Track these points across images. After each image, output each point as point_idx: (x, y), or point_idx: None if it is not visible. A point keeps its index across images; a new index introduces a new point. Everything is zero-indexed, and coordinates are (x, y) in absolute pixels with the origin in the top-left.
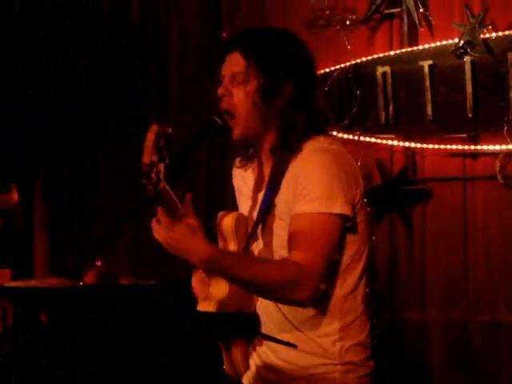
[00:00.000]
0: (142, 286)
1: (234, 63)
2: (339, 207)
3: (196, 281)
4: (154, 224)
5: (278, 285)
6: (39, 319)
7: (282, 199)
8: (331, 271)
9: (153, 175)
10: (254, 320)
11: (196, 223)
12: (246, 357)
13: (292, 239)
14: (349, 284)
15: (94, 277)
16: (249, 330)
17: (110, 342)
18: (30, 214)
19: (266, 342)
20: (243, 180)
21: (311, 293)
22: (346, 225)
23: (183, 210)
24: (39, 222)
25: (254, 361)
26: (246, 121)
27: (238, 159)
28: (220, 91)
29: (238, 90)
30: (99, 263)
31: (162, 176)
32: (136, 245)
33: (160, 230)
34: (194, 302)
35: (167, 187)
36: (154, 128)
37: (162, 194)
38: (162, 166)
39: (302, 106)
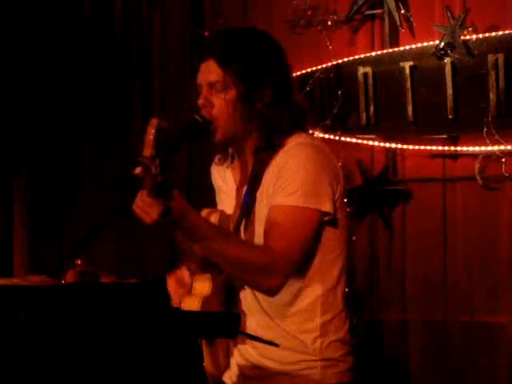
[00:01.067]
0: (123, 284)
1: (210, 71)
2: (316, 203)
3: (172, 282)
4: (139, 202)
5: (249, 266)
6: (19, 318)
7: (263, 194)
8: (310, 266)
9: (153, 169)
10: (236, 319)
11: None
12: (227, 355)
13: (268, 229)
14: (329, 280)
15: (75, 275)
16: (231, 329)
17: (90, 340)
18: (8, 212)
19: (248, 340)
20: (222, 178)
21: (281, 281)
22: (324, 219)
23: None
24: (18, 221)
25: (236, 359)
26: (228, 126)
27: (217, 158)
28: (200, 101)
29: (217, 98)
30: (79, 262)
31: (159, 170)
32: (118, 243)
33: (149, 209)
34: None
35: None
36: (154, 122)
37: (158, 188)
38: (158, 161)
39: (282, 106)
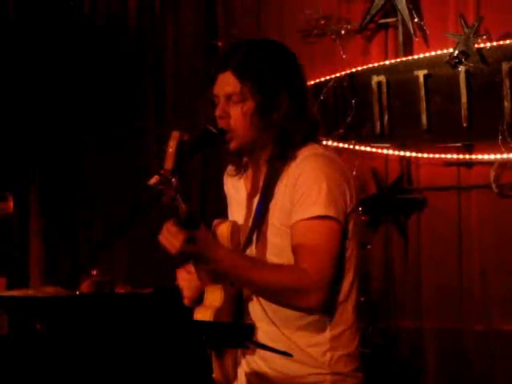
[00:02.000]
0: (137, 294)
1: (227, 83)
2: (334, 211)
3: (182, 278)
4: (165, 234)
5: (289, 289)
6: (35, 329)
7: (276, 205)
8: None
9: (173, 181)
10: (250, 329)
11: (207, 231)
12: (235, 364)
13: (296, 249)
14: (340, 293)
15: (90, 286)
16: (244, 339)
17: (105, 350)
18: (25, 222)
19: (257, 351)
20: (234, 188)
21: (321, 301)
22: (341, 231)
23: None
24: (34, 231)
25: (244, 369)
26: (244, 137)
27: (230, 167)
28: (218, 112)
29: (234, 110)
30: (95, 272)
31: (183, 199)
32: (134, 254)
33: (176, 241)
34: (190, 310)
35: (180, 196)
36: (176, 135)
37: (177, 201)
38: (178, 174)
39: (298, 116)
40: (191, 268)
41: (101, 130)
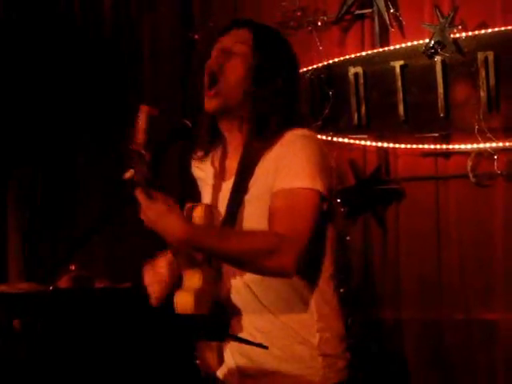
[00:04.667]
0: (115, 289)
1: (242, 36)
2: (319, 185)
3: (148, 275)
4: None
5: (259, 251)
6: (11, 325)
7: (256, 183)
8: (306, 258)
9: (144, 154)
10: (224, 321)
11: (173, 203)
12: (221, 351)
13: (273, 213)
14: (323, 275)
15: (69, 281)
16: (220, 332)
17: (84, 345)
18: (3, 219)
19: (243, 333)
20: (201, 170)
21: (294, 261)
22: (323, 206)
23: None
24: (13, 227)
25: (232, 355)
26: (229, 91)
27: (198, 151)
28: (210, 63)
29: (235, 57)
30: (73, 267)
31: (149, 157)
32: (112, 248)
33: (142, 209)
34: (169, 304)
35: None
36: (145, 108)
37: (148, 177)
38: (149, 148)
39: (288, 97)
40: (158, 264)
41: (78, 128)
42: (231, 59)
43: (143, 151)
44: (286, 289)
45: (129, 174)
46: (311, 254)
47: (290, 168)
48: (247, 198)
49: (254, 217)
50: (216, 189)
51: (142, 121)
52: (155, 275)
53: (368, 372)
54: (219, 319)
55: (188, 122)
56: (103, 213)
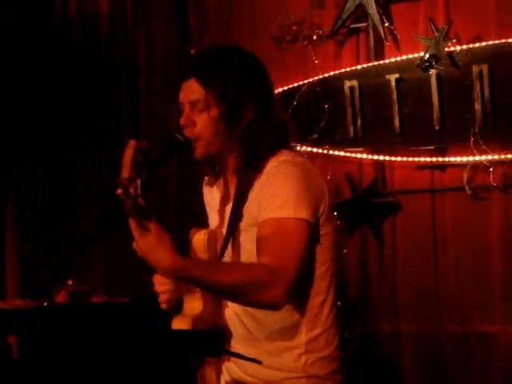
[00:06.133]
0: (112, 304)
1: (192, 91)
2: (305, 213)
3: (158, 283)
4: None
5: (247, 286)
6: (6, 341)
7: (247, 212)
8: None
9: (131, 190)
10: (221, 337)
11: (165, 234)
12: (219, 374)
13: (260, 245)
14: (316, 297)
15: (66, 296)
16: (216, 348)
17: (81, 361)
18: (1, 232)
19: (232, 358)
20: (211, 196)
21: (283, 294)
22: (312, 233)
23: (155, 224)
24: (11, 241)
25: (224, 377)
26: (210, 144)
27: (207, 177)
28: (182, 121)
29: (199, 117)
30: (70, 282)
31: (139, 191)
32: (110, 262)
33: (135, 240)
34: (166, 318)
35: (143, 202)
36: (132, 143)
37: (139, 208)
38: (139, 182)
39: (265, 124)
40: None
41: (78, 141)
42: (195, 119)
43: (130, 186)
44: (273, 317)
45: (120, 190)
46: (305, 280)
47: (274, 198)
48: (242, 224)
49: (247, 243)
50: (220, 214)
51: (128, 156)
52: (166, 283)
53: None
54: (216, 335)
55: (180, 136)
56: (99, 224)
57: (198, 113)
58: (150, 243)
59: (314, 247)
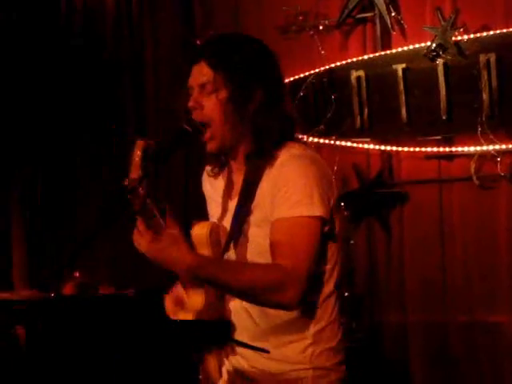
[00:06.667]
0: (118, 296)
1: (201, 74)
2: (319, 210)
3: (169, 302)
4: (135, 236)
5: (264, 288)
6: (14, 332)
7: (258, 206)
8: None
9: (140, 190)
10: (226, 327)
11: (178, 233)
12: (220, 365)
13: (275, 245)
14: (325, 290)
15: (73, 288)
16: (222, 336)
17: (87, 352)
18: (7, 226)
19: (238, 350)
20: (213, 188)
21: (298, 296)
22: (324, 229)
23: (164, 221)
24: (17, 234)
25: (227, 369)
26: (221, 132)
27: (209, 167)
28: (190, 103)
29: (208, 100)
30: (77, 274)
31: (147, 191)
32: (116, 254)
33: (143, 242)
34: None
35: (150, 201)
36: (140, 143)
37: (146, 207)
38: (147, 182)
39: (273, 110)
40: (177, 292)
41: (82, 136)
42: (203, 101)
43: (138, 186)
44: (282, 312)
45: (127, 182)
46: (316, 275)
47: (287, 196)
48: (252, 218)
49: (259, 239)
50: (223, 206)
51: (137, 156)
52: (174, 301)
53: (371, 376)
54: (222, 325)
55: (188, 127)
56: (103, 217)
57: (206, 95)
58: (166, 243)
59: (326, 241)
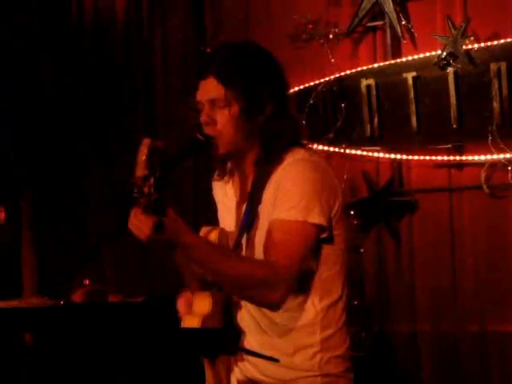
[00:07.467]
0: (127, 303)
1: (211, 89)
2: (315, 217)
3: (182, 304)
4: (133, 219)
5: (252, 282)
6: (23, 340)
7: (264, 209)
8: (310, 283)
9: (145, 189)
10: (236, 335)
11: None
12: (229, 372)
13: (268, 244)
14: (329, 297)
15: (83, 295)
16: (231, 345)
17: (96, 359)
18: (17, 232)
19: (247, 357)
20: (224, 193)
21: (283, 295)
22: (321, 235)
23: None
24: (27, 241)
25: (236, 376)
26: (231, 142)
27: (216, 173)
28: (203, 118)
29: (220, 115)
30: (87, 282)
31: (153, 189)
32: (125, 262)
33: (143, 226)
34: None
35: (157, 200)
36: (147, 142)
37: (153, 207)
38: (153, 180)
39: (282, 117)
40: (189, 296)
41: (92, 141)
42: (216, 116)
43: (143, 185)
44: (287, 316)
45: (135, 189)
46: (318, 281)
47: (287, 198)
48: (259, 222)
49: (262, 243)
50: (233, 212)
51: (143, 154)
52: (187, 304)
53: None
54: (230, 333)
55: (201, 136)
56: (113, 226)
57: (218, 110)
58: (170, 220)
59: (325, 249)
